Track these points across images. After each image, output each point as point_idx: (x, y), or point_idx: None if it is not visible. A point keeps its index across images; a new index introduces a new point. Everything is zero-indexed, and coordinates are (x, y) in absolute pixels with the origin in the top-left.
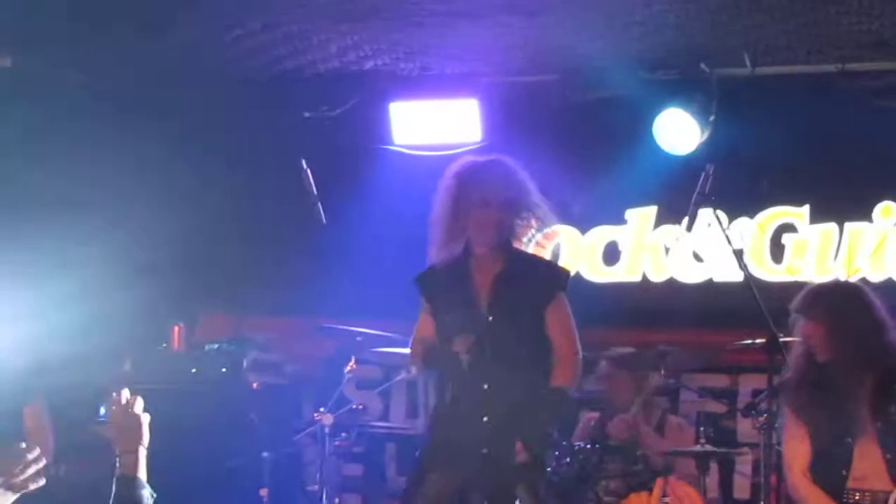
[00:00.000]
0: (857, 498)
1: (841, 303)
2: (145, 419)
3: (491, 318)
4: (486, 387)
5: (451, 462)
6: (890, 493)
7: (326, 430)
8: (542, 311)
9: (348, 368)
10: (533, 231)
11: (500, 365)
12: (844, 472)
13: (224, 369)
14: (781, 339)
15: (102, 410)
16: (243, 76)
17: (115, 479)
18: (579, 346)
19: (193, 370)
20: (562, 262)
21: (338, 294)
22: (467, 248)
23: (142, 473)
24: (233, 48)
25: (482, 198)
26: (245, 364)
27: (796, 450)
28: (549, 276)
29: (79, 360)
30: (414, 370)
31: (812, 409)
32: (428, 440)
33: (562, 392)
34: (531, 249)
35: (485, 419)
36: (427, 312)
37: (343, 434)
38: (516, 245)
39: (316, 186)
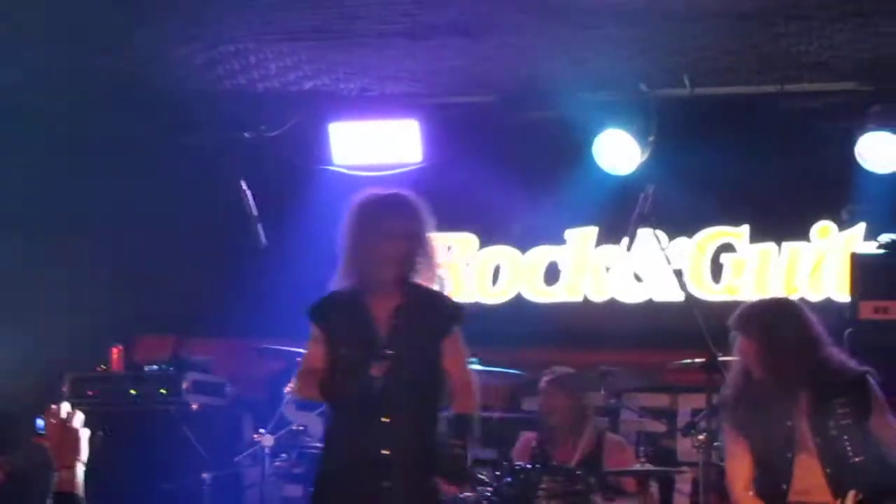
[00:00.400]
0: None
1: (775, 319)
2: (84, 434)
3: (390, 350)
4: (385, 420)
5: (349, 498)
6: None
7: (266, 451)
8: (440, 343)
9: (288, 389)
10: (430, 265)
11: (399, 398)
12: (785, 487)
13: (163, 391)
14: (721, 359)
15: (41, 423)
16: (184, 95)
17: (51, 496)
18: (475, 377)
19: (132, 391)
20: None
21: (278, 315)
22: (363, 281)
23: (79, 490)
24: (173, 68)
25: (388, 230)
26: (184, 385)
27: (738, 466)
28: (448, 309)
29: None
30: (291, 398)
31: (751, 426)
32: (323, 475)
33: (468, 418)
34: (426, 283)
35: (384, 452)
36: (317, 342)
37: (283, 455)
38: (414, 278)
39: (256, 207)
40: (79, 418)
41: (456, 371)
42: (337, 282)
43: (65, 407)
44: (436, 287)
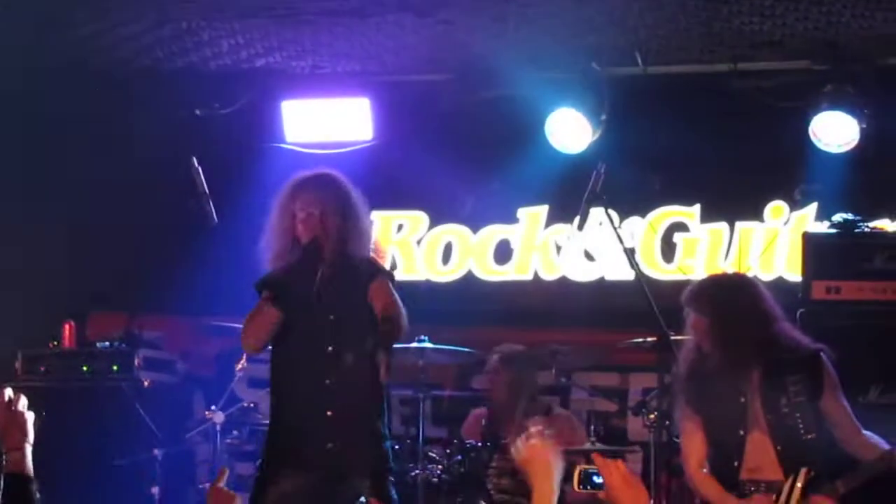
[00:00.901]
0: (751, 489)
1: (726, 293)
2: (29, 417)
3: (321, 301)
4: (328, 382)
5: (296, 460)
6: (783, 482)
7: (218, 427)
8: (366, 289)
9: (239, 367)
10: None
11: (343, 364)
12: (737, 464)
13: (115, 367)
14: (672, 338)
15: None
16: (134, 73)
17: (2, 477)
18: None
19: (85, 368)
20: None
21: (229, 292)
22: (301, 255)
23: (28, 471)
24: (124, 45)
25: (304, 209)
26: (136, 362)
27: (691, 444)
28: (371, 264)
29: None
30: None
31: (703, 402)
32: (270, 440)
33: (389, 319)
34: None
35: (329, 413)
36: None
37: (234, 432)
38: (348, 254)
39: (207, 185)
40: (23, 401)
41: (379, 300)
42: (272, 264)
43: (8, 391)
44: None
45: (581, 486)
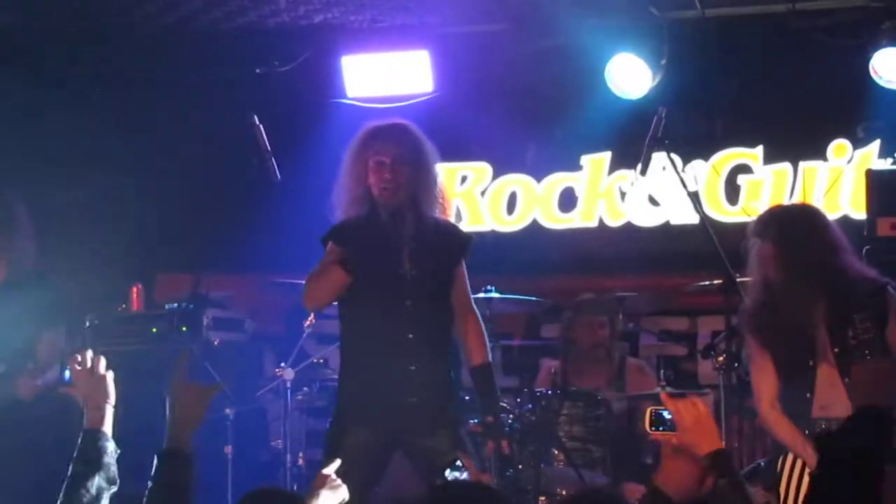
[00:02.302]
0: (822, 427)
1: (793, 223)
2: (109, 377)
3: (413, 273)
4: (411, 336)
5: (375, 415)
6: None
7: (288, 385)
8: (452, 259)
9: (307, 323)
10: (430, 193)
11: (422, 318)
12: (809, 396)
13: (184, 328)
14: (738, 280)
15: (67, 374)
16: (193, 33)
17: (81, 433)
18: (478, 312)
19: (154, 330)
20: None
21: (293, 249)
22: (374, 209)
23: (107, 428)
24: (182, 5)
25: (377, 159)
26: (205, 322)
27: (763, 380)
28: (458, 237)
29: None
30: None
31: (771, 335)
32: (345, 395)
33: (488, 368)
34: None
35: (412, 368)
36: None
37: (305, 389)
38: (418, 206)
39: (269, 142)
40: (102, 363)
41: (464, 303)
42: (340, 213)
43: (89, 354)
44: (441, 215)
45: (653, 427)
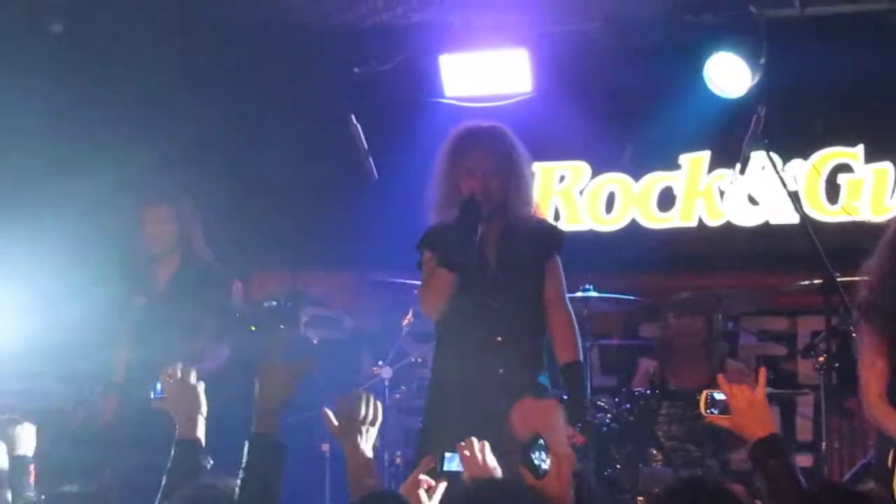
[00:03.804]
0: None
1: None
2: (200, 388)
3: (499, 273)
4: (499, 339)
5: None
6: None
7: (386, 383)
8: (542, 258)
9: (405, 321)
10: (522, 199)
11: (510, 320)
12: None
13: (282, 326)
14: (838, 280)
15: (159, 387)
16: (292, 31)
17: (174, 443)
18: (571, 310)
19: (252, 327)
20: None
21: (391, 248)
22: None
23: (200, 437)
24: (280, 3)
25: (468, 166)
26: (303, 320)
27: (872, 371)
28: (550, 231)
29: None
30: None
31: (886, 323)
32: (435, 396)
33: (577, 366)
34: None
35: (501, 371)
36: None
37: (402, 387)
38: (513, 208)
39: (367, 141)
40: (193, 375)
41: (555, 299)
42: (435, 216)
43: (179, 367)
44: (535, 214)
45: (707, 410)
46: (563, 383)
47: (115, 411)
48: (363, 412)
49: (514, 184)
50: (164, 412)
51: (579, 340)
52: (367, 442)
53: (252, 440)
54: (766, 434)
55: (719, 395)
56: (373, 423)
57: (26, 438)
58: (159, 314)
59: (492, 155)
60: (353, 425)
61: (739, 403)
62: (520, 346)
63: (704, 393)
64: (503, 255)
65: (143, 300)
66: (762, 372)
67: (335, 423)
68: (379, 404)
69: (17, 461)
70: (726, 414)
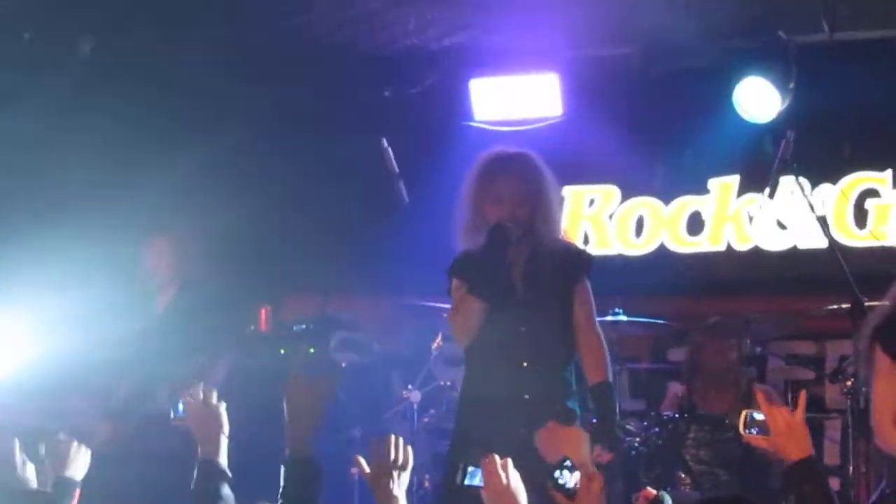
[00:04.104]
0: None
1: None
2: (222, 408)
3: (527, 298)
4: (525, 364)
5: (487, 443)
6: None
7: (415, 407)
8: (571, 282)
9: (435, 345)
10: (549, 227)
11: (537, 345)
12: None
13: (312, 349)
14: (866, 304)
15: (181, 407)
16: (322, 55)
17: (196, 464)
18: (601, 332)
19: (281, 351)
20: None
21: (421, 272)
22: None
23: (222, 458)
24: (310, 27)
25: (495, 194)
26: (332, 343)
27: (886, 398)
28: (579, 254)
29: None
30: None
31: None
32: (462, 418)
33: (606, 386)
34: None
35: (526, 397)
36: (459, 290)
37: (432, 411)
38: (541, 233)
39: (397, 164)
40: (214, 395)
41: (584, 322)
42: (462, 241)
43: (201, 387)
44: (563, 238)
45: (746, 430)
46: (592, 404)
47: (108, 440)
48: (393, 455)
49: (541, 211)
50: (162, 438)
51: (609, 361)
52: (400, 487)
53: (288, 464)
54: (804, 456)
55: (759, 416)
56: (403, 468)
57: (80, 461)
58: (152, 344)
59: (519, 182)
60: (384, 471)
61: (778, 424)
62: (547, 370)
63: (744, 413)
64: (531, 279)
65: (139, 328)
66: (802, 394)
67: (366, 469)
68: (409, 448)
69: (62, 483)
70: (765, 434)
